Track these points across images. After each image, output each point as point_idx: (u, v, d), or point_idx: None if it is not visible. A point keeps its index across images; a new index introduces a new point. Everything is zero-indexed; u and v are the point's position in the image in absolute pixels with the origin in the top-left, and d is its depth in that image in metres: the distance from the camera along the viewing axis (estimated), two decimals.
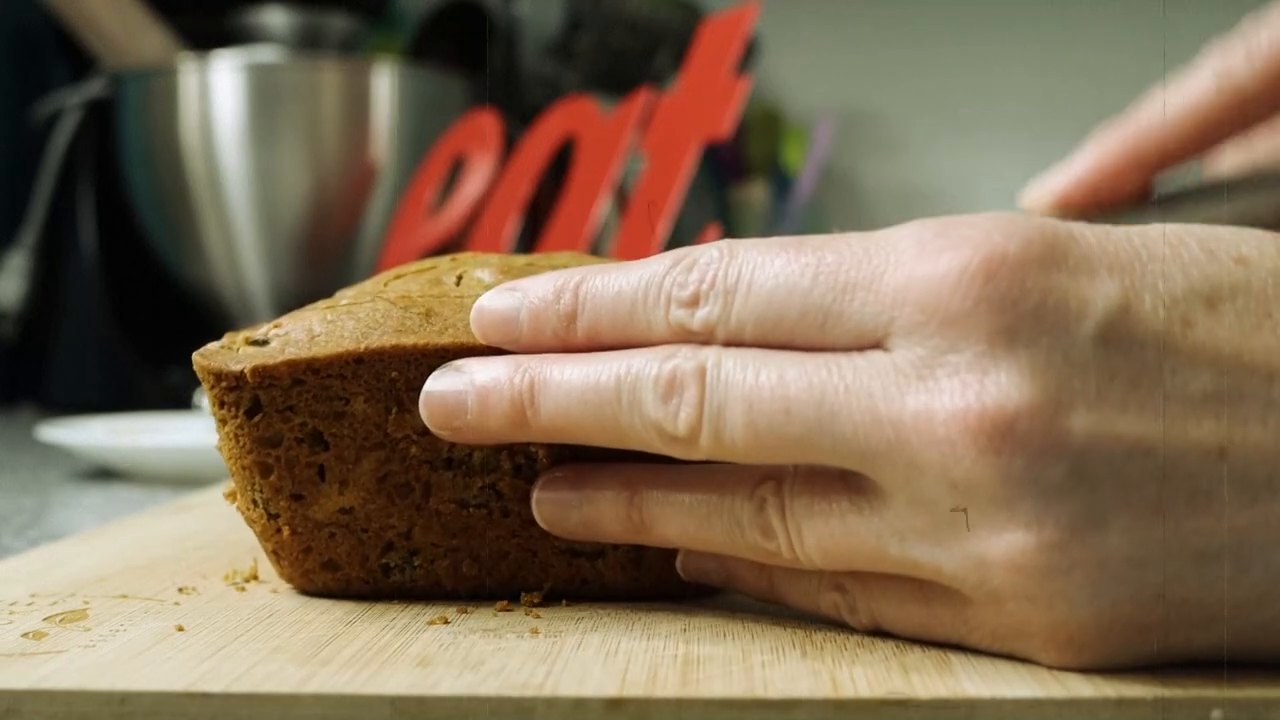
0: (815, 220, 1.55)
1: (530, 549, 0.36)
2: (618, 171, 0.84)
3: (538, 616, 0.34)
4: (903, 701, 0.27)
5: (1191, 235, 0.29)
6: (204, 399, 0.36)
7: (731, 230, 1.51)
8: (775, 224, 1.52)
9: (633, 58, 1.31)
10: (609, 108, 0.88)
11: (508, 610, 0.35)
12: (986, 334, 0.28)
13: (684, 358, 0.31)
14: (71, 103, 1.20)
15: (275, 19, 1.23)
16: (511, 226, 0.91)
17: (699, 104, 0.79)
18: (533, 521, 0.35)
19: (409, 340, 0.34)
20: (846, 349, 0.30)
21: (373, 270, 1.11)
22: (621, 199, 0.87)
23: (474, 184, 0.98)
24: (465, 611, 0.35)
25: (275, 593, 0.37)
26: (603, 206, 0.83)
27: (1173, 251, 0.29)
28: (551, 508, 0.35)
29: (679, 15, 1.33)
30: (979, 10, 1.64)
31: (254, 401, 0.35)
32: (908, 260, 0.29)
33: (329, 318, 0.35)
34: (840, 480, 0.30)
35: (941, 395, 0.28)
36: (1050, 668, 0.29)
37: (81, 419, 0.87)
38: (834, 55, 1.65)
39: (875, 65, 1.65)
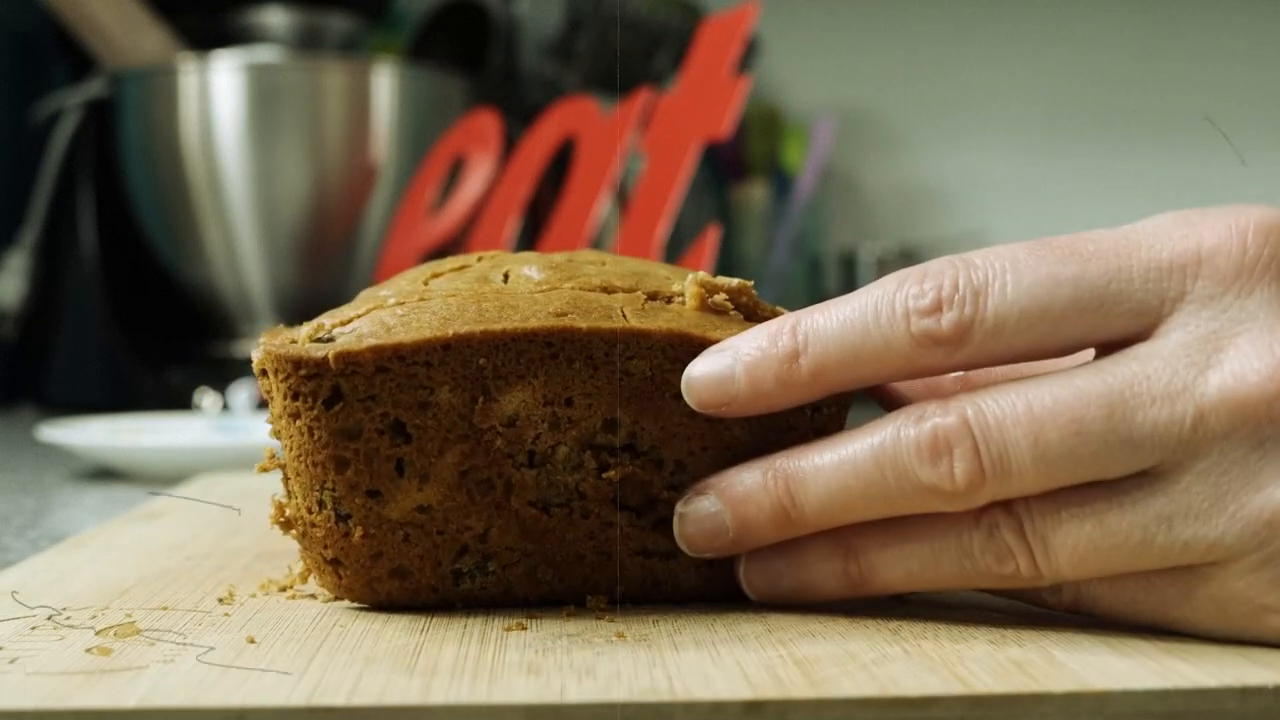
0: (815, 220, 1.54)
1: (605, 551, 0.35)
2: (618, 171, 0.84)
3: (611, 621, 0.33)
4: (1038, 696, 0.27)
5: None
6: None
7: (731, 230, 1.51)
8: (775, 224, 1.52)
9: (633, 58, 1.31)
10: (609, 108, 0.88)
11: (575, 615, 0.34)
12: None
13: (939, 414, 0.30)
14: (71, 103, 1.20)
15: (275, 19, 1.23)
16: (511, 226, 0.91)
17: (699, 104, 0.79)
18: (611, 524, 0.35)
19: (497, 326, 0.33)
20: (1118, 334, 0.30)
21: (372, 270, 1.11)
22: (621, 199, 0.87)
23: (474, 184, 0.98)
24: (533, 617, 0.34)
25: (328, 601, 0.36)
26: (603, 206, 0.83)
27: None
28: (761, 577, 0.34)
29: (679, 15, 1.33)
30: (979, 10, 1.64)
31: (334, 391, 0.33)
32: (1178, 236, 0.30)
33: (399, 312, 0.34)
34: (1091, 482, 0.30)
35: (1248, 359, 0.28)
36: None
37: (81, 419, 0.86)
38: (834, 55, 1.64)
39: (875, 65, 1.65)
